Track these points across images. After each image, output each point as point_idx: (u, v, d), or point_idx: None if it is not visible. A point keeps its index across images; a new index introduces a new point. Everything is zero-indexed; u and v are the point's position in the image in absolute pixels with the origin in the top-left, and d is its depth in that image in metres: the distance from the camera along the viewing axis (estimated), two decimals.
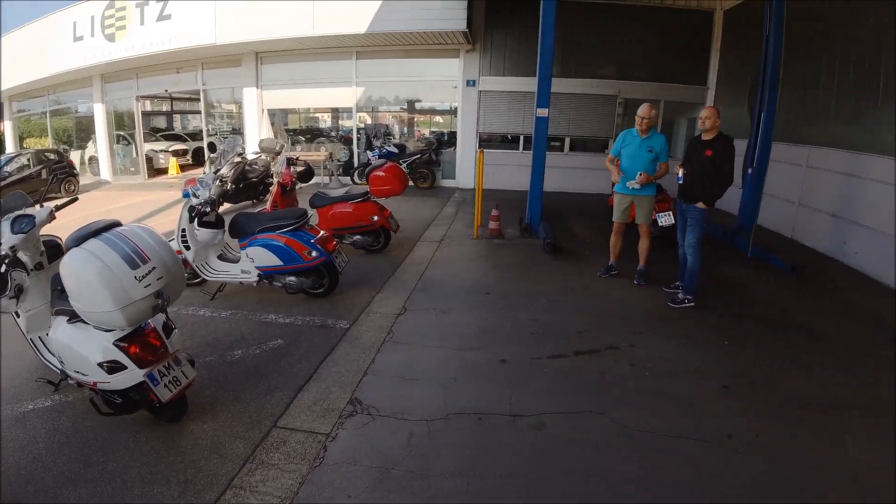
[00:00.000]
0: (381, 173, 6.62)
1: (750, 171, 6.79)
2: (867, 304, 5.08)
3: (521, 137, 11.76)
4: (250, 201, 9.59)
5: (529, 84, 9.47)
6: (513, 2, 10.97)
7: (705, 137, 4.67)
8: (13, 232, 3.33)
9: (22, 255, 3.40)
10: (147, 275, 2.62)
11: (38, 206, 3.61)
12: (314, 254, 4.58)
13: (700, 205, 4.60)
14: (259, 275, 4.76)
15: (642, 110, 4.95)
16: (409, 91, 13.11)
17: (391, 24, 10.10)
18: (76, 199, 4.00)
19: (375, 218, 6.06)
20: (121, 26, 12.69)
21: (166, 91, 15.91)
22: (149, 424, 3.15)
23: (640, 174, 4.91)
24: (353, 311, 4.65)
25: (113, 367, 2.80)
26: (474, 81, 11.62)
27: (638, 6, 10.89)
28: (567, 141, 11.71)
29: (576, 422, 3.01)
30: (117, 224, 2.81)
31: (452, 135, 12.41)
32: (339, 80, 12.49)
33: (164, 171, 16.13)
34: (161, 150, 16.57)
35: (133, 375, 2.79)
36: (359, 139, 12.82)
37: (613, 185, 5.36)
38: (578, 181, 11.46)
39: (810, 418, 3.11)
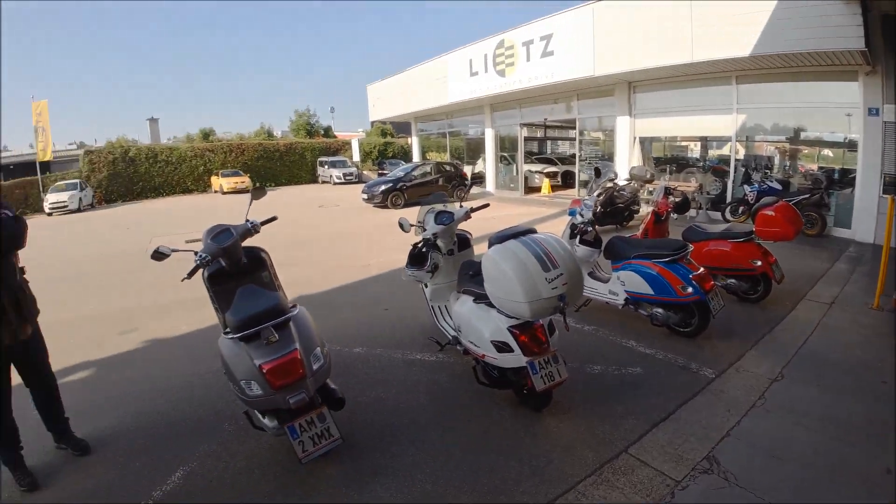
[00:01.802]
0: (770, 213, 5.81)
1: None
2: None
3: None
4: (614, 226, 9.82)
5: None
6: None
7: None
8: (436, 223, 4.26)
9: (439, 242, 4.31)
10: (555, 279, 2.92)
11: (458, 205, 4.48)
12: (689, 290, 4.33)
13: None
14: (626, 299, 4.79)
15: None
16: (792, 119, 11.10)
17: (777, 46, 8.79)
18: (487, 205, 4.76)
19: (758, 263, 5.34)
20: (510, 63, 14.63)
21: (545, 119, 17.67)
22: (512, 404, 3.54)
23: None
24: (720, 361, 4.22)
25: (501, 347, 3.25)
26: (877, 110, 9.08)
27: None
28: None
29: None
30: (533, 231, 3.23)
31: (845, 173, 10.00)
32: (716, 108, 11.59)
33: (536, 190, 18.03)
34: (536, 172, 18.59)
35: (518, 359, 3.17)
36: (734, 171, 11.67)
37: None
38: None
39: None
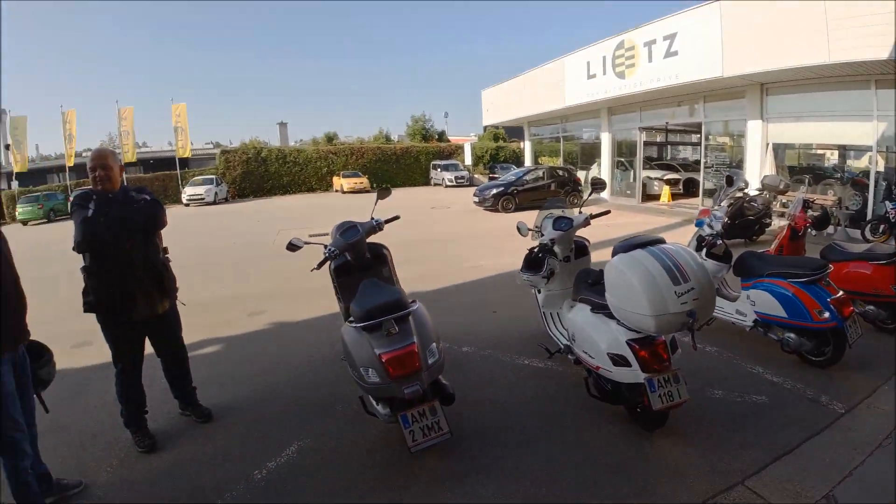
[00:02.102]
0: None
1: None
2: None
3: None
4: (742, 240, 9.08)
5: None
6: None
7: None
8: (554, 228, 4.18)
9: (556, 248, 4.23)
10: (685, 293, 2.73)
11: (577, 212, 4.38)
12: (826, 315, 3.88)
13: None
14: (755, 321, 4.41)
15: None
16: None
17: None
18: (608, 211, 4.63)
19: None
20: (630, 64, 14.07)
21: (667, 123, 16.77)
22: (622, 421, 3.41)
23: None
24: (852, 395, 3.77)
25: (618, 361, 3.12)
26: None
27: None
28: None
29: None
30: (661, 241, 3.07)
31: None
32: (854, 113, 10.36)
33: (655, 198, 17.15)
34: (656, 178, 17.67)
35: (635, 375, 3.04)
36: (875, 185, 10.32)
37: None
38: None
39: None
